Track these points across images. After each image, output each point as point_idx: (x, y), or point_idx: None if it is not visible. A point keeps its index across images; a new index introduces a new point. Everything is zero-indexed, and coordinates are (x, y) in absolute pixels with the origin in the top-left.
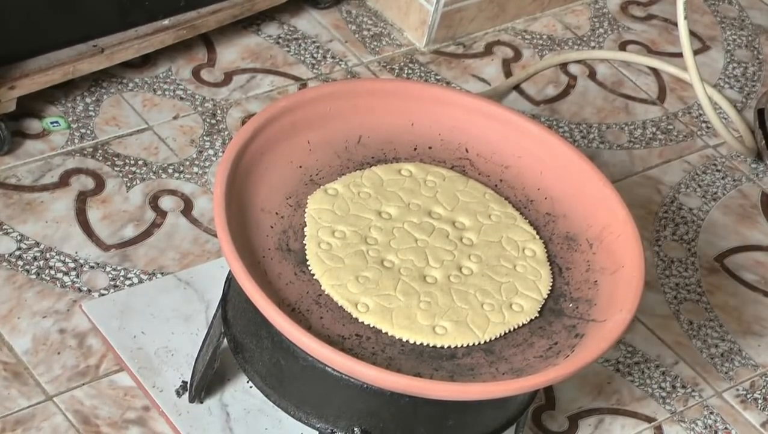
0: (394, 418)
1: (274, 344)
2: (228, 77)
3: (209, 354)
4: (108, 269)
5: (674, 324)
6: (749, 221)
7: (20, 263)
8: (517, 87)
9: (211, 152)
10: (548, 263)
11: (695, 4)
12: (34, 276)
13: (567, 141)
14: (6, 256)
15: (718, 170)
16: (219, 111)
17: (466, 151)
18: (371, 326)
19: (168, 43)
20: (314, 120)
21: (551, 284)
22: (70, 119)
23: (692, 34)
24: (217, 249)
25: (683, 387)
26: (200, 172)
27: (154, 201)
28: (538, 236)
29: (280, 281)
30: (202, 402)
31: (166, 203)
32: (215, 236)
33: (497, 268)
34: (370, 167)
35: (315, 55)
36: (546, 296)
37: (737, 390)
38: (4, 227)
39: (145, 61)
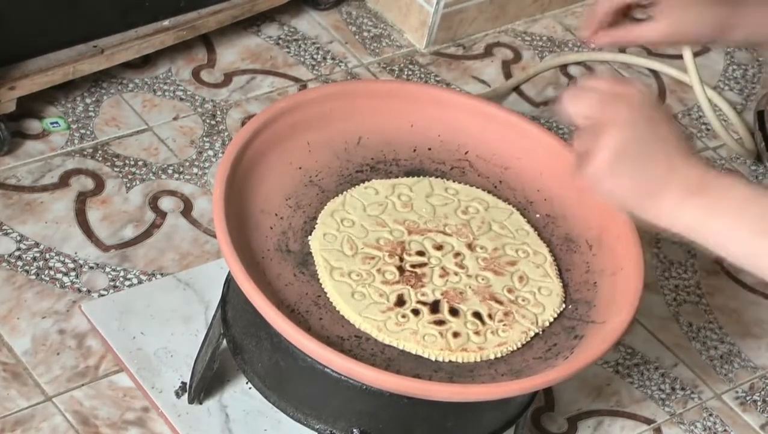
0: (393, 419)
1: (274, 345)
2: (228, 78)
3: (208, 354)
4: (107, 269)
5: (674, 326)
6: None
7: (20, 263)
8: (517, 88)
9: (210, 152)
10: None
11: None
12: (33, 277)
13: (567, 143)
14: (5, 256)
15: None
16: (219, 112)
17: (466, 152)
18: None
19: (168, 43)
20: (314, 121)
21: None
22: (70, 119)
23: None
24: (217, 250)
25: (682, 388)
26: (200, 173)
27: (153, 202)
28: (559, 282)
29: (280, 282)
30: (201, 403)
31: (166, 203)
32: (215, 236)
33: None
34: (429, 176)
35: (315, 56)
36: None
37: (737, 392)
38: (3, 227)
39: (145, 62)
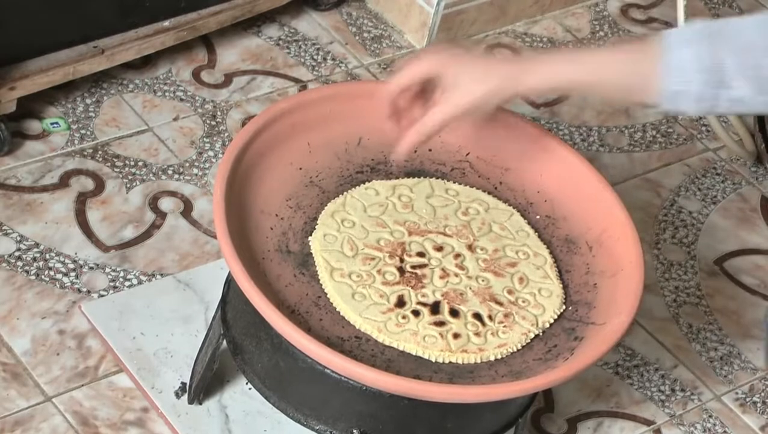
0: (393, 420)
1: (274, 346)
2: (228, 79)
3: (208, 355)
4: (107, 270)
5: (673, 327)
6: (749, 225)
7: (20, 263)
8: None
9: (211, 153)
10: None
11: (696, 7)
12: (33, 277)
13: (567, 144)
14: (6, 257)
15: (717, 174)
16: (219, 112)
17: (466, 154)
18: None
19: (168, 44)
20: (314, 122)
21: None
22: (70, 120)
23: None
24: (217, 251)
25: (682, 390)
26: (200, 173)
27: (153, 202)
28: (559, 283)
29: (280, 282)
30: (201, 404)
31: (166, 204)
32: (215, 237)
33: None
34: (430, 177)
35: (315, 57)
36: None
37: (736, 393)
38: (3, 227)
39: (146, 63)
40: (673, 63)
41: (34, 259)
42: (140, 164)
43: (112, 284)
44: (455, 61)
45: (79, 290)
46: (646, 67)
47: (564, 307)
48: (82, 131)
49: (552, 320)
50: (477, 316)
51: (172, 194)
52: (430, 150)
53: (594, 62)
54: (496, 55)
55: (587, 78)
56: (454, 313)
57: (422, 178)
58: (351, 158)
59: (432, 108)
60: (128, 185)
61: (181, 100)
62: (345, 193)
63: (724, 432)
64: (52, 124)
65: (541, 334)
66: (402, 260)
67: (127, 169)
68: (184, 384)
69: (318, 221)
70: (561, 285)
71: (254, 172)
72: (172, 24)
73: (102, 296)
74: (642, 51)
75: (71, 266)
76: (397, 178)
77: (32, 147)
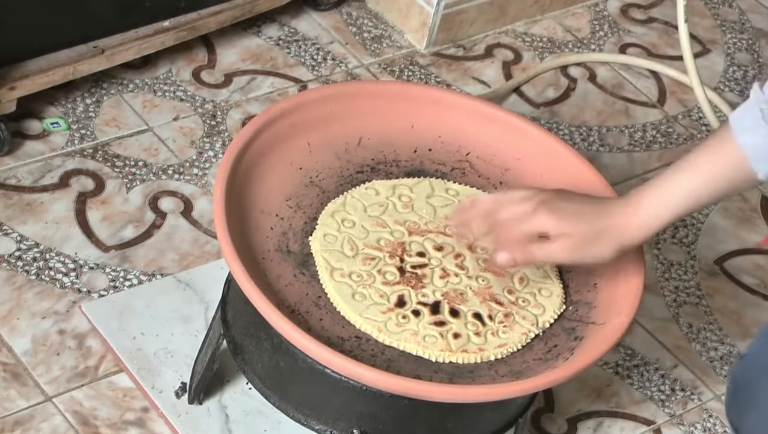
0: (394, 420)
1: (274, 345)
2: (228, 79)
3: (208, 355)
4: (108, 270)
5: (674, 327)
6: (749, 225)
7: (20, 263)
8: (517, 89)
9: (211, 153)
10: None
11: (696, 7)
12: (33, 277)
13: (567, 144)
14: (6, 257)
15: None
16: (219, 112)
17: (467, 153)
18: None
19: (168, 44)
20: (314, 122)
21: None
22: (70, 119)
23: (693, 37)
24: (217, 250)
25: (682, 390)
26: (200, 173)
27: (153, 202)
28: (559, 283)
29: (280, 282)
30: (201, 404)
31: (166, 204)
32: (215, 237)
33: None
34: (430, 176)
35: (315, 56)
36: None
37: None
38: (3, 227)
39: (146, 63)
40: (753, 153)
41: (34, 259)
42: (140, 164)
43: (112, 284)
44: (557, 214)
45: (79, 290)
46: (732, 166)
47: (564, 307)
48: (82, 131)
49: (552, 320)
50: (477, 316)
51: (172, 194)
52: (430, 150)
53: (682, 189)
54: (576, 195)
55: (686, 207)
56: (455, 313)
57: (422, 178)
58: (351, 158)
59: (547, 245)
60: (128, 185)
61: (181, 100)
62: (345, 193)
63: (724, 432)
64: (52, 124)
65: (541, 334)
66: (402, 260)
67: (127, 169)
68: (184, 384)
69: (318, 221)
70: (561, 285)
71: (254, 172)
72: (172, 24)
73: (102, 296)
74: (720, 151)
75: (71, 266)
76: (397, 178)
77: (32, 147)
